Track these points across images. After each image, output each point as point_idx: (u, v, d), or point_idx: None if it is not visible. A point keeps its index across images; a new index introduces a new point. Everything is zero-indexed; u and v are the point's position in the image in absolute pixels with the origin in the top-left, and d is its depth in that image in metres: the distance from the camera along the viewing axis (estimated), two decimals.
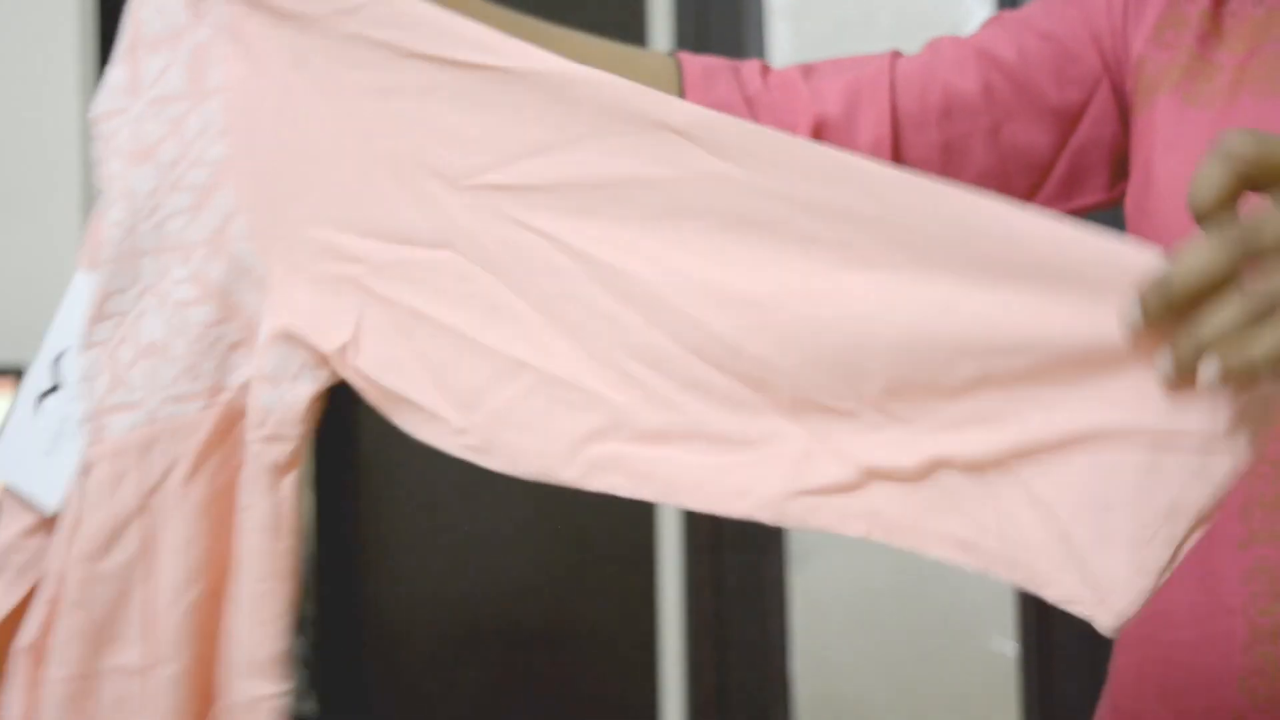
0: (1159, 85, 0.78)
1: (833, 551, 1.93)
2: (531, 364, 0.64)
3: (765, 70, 0.85)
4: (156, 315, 0.69)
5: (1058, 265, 0.54)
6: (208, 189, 0.69)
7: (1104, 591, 0.54)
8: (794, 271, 0.59)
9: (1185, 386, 0.52)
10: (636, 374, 0.62)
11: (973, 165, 0.83)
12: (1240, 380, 0.51)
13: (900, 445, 0.58)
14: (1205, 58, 0.77)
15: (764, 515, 0.60)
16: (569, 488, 0.63)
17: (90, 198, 1.99)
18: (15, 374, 1.82)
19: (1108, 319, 0.53)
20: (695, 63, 0.84)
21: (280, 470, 0.67)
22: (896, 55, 0.85)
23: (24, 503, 0.71)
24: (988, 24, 0.86)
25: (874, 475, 0.58)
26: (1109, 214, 0.79)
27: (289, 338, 0.67)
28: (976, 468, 0.56)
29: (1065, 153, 0.83)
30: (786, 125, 0.81)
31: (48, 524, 0.70)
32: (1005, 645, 1.77)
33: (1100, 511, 0.54)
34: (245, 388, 0.68)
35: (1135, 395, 0.53)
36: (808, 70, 0.85)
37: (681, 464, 0.61)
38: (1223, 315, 0.50)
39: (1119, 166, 0.84)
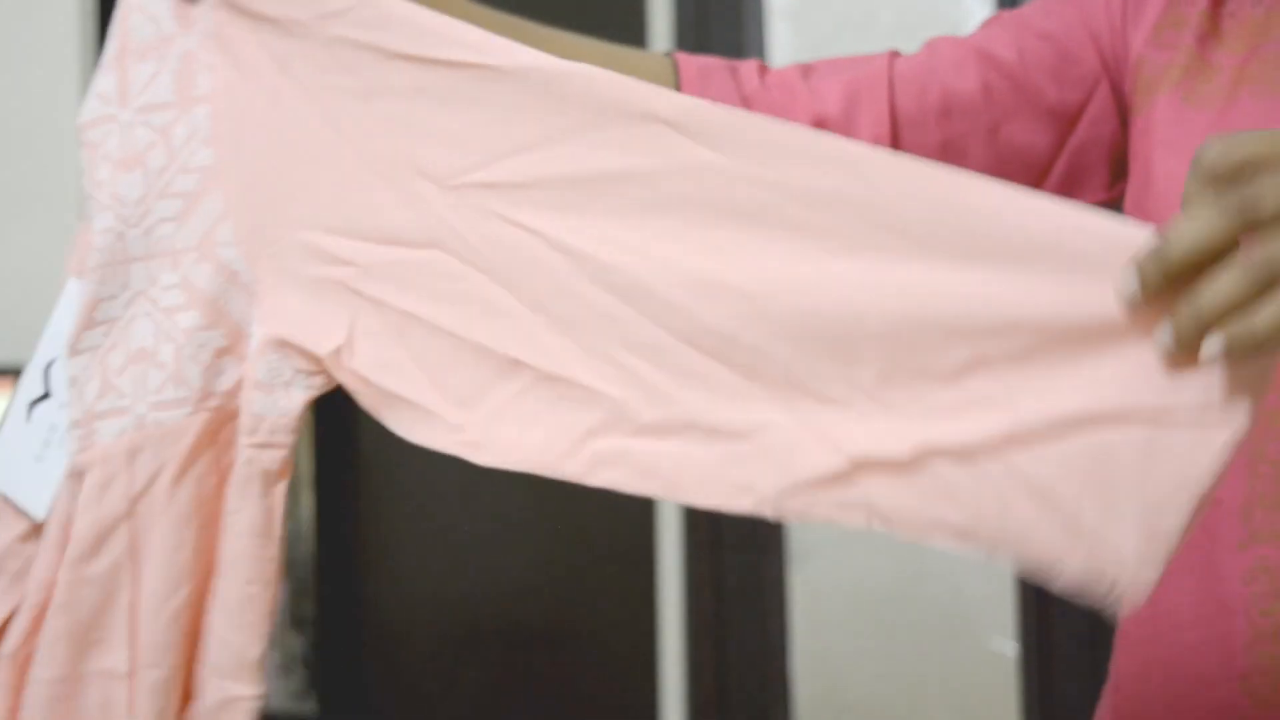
0: (1158, 85, 0.78)
1: (833, 551, 1.93)
2: (527, 361, 0.64)
3: (763, 70, 0.85)
4: (146, 321, 0.69)
5: (1048, 243, 0.54)
6: (196, 195, 0.69)
7: (1117, 568, 0.54)
8: (783, 259, 0.59)
9: (1186, 360, 0.52)
10: (631, 367, 0.62)
11: (971, 165, 0.83)
12: (1245, 353, 0.50)
13: (891, 433, 0.57)
14: (1204, 58, 0.77)
15: (766, 511, 0.60)
16: (568, 488, 0.63)
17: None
18: (15, 374, 1.82)
19: (1100, 296, 0.53)
20: (691, 62, 0.84)
21: (271, 477, 0.68)
22: (895, 55, 0.85)
23: (17, 510, 0.71)
24: (987, 24, 0.86)
25: (864, 465, 0.58)
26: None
27: (282, 344, 0.67)
28: (967, 454, 0.56)
29: (1064, 153, 0.83)
30: None
31: (41, 530, 0.70)
32: (1005, 645, 1.77)
33: (1104, 491, 0.54)
34: (232, 393, 0.69)
35: (1128, 374, 0.53)
36: (806, 70, 0.85)
37: (681, 459, 0.61)
38: (1224, 285, 0.50)
39: (1118, 166, 0.84)
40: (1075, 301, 0.53)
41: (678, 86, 0.82)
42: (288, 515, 0.69)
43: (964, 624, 1.86)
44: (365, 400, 0.66)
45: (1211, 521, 0.72)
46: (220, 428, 0.69)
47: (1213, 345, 0.50)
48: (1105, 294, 0.53)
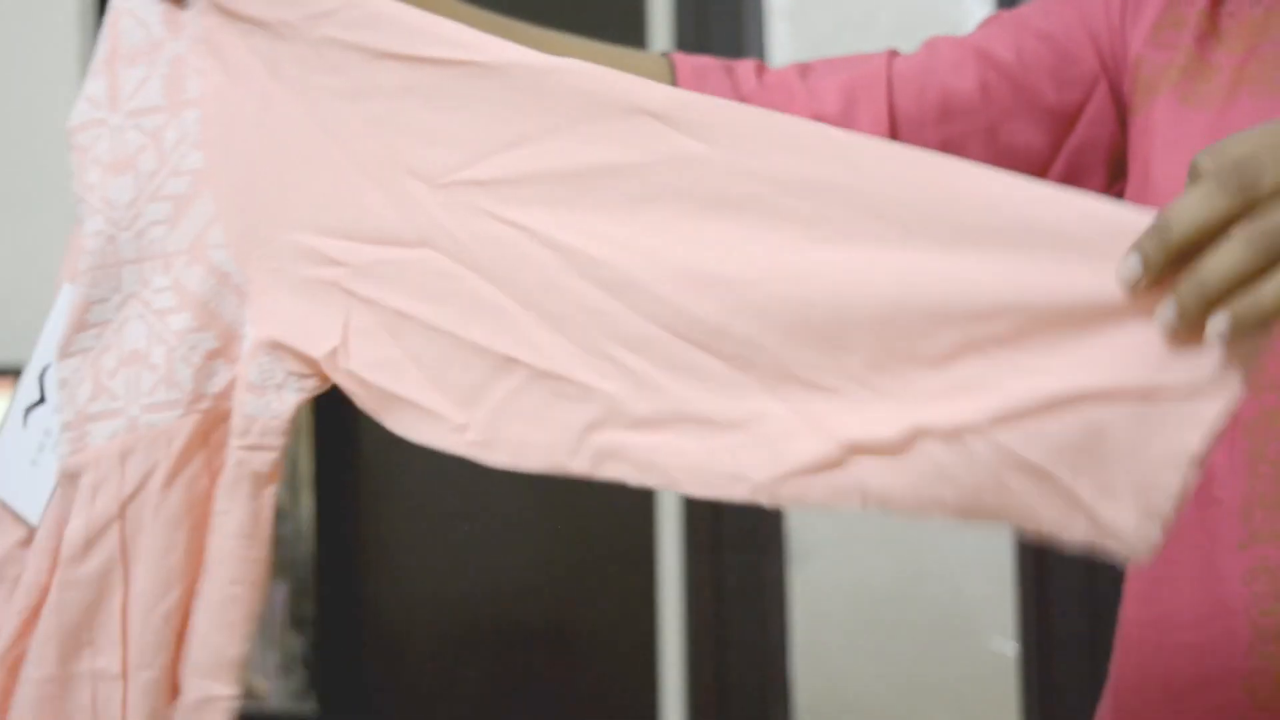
0: (1157, 86, 0.78)
1: (833, 551, 1.93)
2: (520, 358, 0.64)
3: (760, 69, 0.85)
4: (139, 324, 0.70)
5: (1038, 226, 0.53)
6: (187, 198, 0.69)
7: (1117, 538, 0.54)
8: (772, 249, 0.59)
9: (1190, 337, 0.51)
10: (624, 361, 0.62)
11: None
12: (1250, 328, 0.50)
13: (882, 418, 0.58)
14: (1203, 58, 0.77)
15: (761, 499, 0.60)
16: (568, 488, 0.63)
17: None
18: (15, 374, 1.82)
19: (1089, 277, 0.52)
20: (687, 62, 0.84)
21: (261, 479, 0.68)
22: (894, 55, 0.85)
23: (15, 516, 0.71)
24: (985, 24, 0.86)
25: (856, 449, 0.58)
26: None
27: (275, 347, 0.67)
28: (956, 435, 0.56)
29: (1063, 153, 0.83)
30: None
31: None
32: (1005, 645, 1.77)
33: (1098, 465, 0.54)
34: (224, 395, 0.69)
35: (1118, 354, 0.53)
36: (804, 69, 0.85)
37: (676, 450, 0.61)
38: (1227, 257, 0.49)
39: (1117, 167, 0.83)
40: (1064, 284, 0.53)
41: (674, 86, 0.82)
42: (288, 515, 0.69)
43: (964, 624, 1.87)
44: (364, 403, 0.66)
45: (1211, 522, 0.72)
46: (212, 430, 0.69)
47: (1219, 323, 0.50)
48: (1094, 276, 0.52)
